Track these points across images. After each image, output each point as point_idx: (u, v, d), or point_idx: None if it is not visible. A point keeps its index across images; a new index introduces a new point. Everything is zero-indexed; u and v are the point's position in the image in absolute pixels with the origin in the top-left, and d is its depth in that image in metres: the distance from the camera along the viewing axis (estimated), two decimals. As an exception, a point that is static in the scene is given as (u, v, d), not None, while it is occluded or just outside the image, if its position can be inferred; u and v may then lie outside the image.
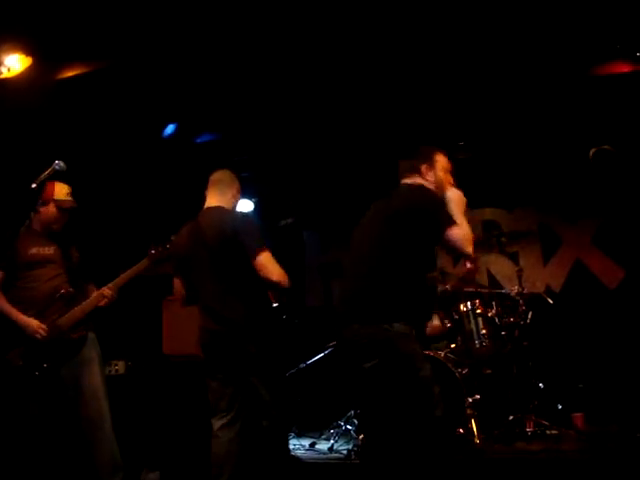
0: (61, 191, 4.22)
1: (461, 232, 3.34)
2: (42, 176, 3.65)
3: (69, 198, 4.25)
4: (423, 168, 3.67)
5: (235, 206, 3.99)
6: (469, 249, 3.35)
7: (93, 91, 5.57)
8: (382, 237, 3.45)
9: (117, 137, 6.21)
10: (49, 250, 4.18)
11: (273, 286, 3.67)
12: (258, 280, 3.62)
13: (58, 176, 3.86)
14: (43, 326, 3.91)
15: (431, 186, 3.59)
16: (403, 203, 3.47)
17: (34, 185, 3.60)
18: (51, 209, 4.18)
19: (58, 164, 3.68)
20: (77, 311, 4.07)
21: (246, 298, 3.69)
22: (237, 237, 3.62)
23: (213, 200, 3.93)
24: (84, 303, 4.11)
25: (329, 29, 5.14)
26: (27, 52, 4.94)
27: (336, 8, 4.89)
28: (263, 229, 3.78)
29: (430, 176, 3.65)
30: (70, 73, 5.31)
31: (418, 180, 3.63)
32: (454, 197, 3.54)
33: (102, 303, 4.15)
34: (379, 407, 3.41)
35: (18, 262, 4.05)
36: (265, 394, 3.61)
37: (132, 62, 5.37)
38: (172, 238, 4.10)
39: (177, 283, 4.06)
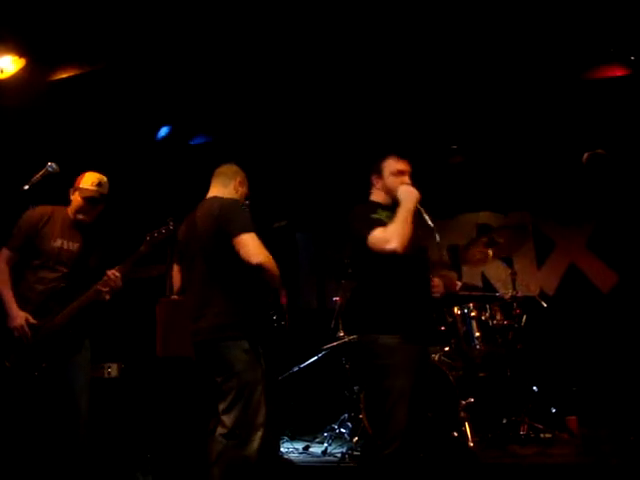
0: (88, 180, 4.07)
1: (381, 233, 3.42)
2: (34, 178, 3.64)
3: (93, 188, 4.06)
4: (374, 180, 3.80)
5: (240, 197, 3.89)
6: (389, 246, 3.37)
7: (86, 93, 5.57)
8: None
9: (111, 139, 6.19)
10: (73, 246, 4.08)
11: (257, 270, 3.46)
12: (248, 277, 3.55)
13: (51, 178, 3.82)
14: (30, 320, 3.83)
15: (381, 194, 3.76)
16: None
17: (26, 187, 3.59)
18: (77, 197, 4.04)
19: (51, 166, 3.67)
20: (72, 307, 3.95)
21: (231, 293, 3.58)
22: (222, 223, 3.55)
23: (213, 192, 3.87)
24: (80, 298, 3.97)
25: (323, 31, 5.14)
26: (20, 54, 4.94)
27: (329, 13, 4.90)
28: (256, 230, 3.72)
29: (380, 185, 3.77)
30: (63, 75, 5.30)
31: (372, 193, 3.82)
32: (402, 195, 3.56)
33: (104, 295, 3.96)
34: None
35: (40, 248, 3.96)
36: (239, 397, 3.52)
37: (126, 64, 5.37)
38: (169, 221, 3.97)
39: (175, 271, 4.01)
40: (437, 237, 3.58)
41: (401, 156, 3.79)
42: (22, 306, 3.89)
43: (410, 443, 3.39)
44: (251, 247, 3.46)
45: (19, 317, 3.83)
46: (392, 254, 3.39)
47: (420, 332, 3.54)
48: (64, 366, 3.96)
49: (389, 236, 3.41)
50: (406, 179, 3.71)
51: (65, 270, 4.03)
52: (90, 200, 4.05)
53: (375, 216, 3.56)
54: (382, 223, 3.49)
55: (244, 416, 3.45)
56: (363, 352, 3.56)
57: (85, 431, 3.99)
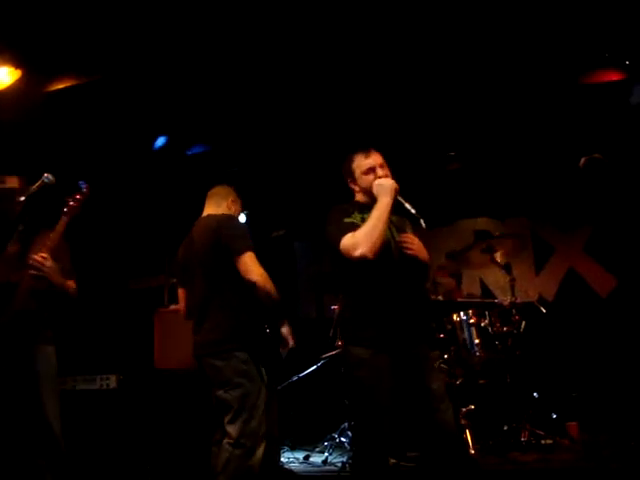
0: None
1: (350, 239, 3.22)
2: (31, 189, 3.63)
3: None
4: (350, 184, 3.59)
5: (236, 211, 4.02)
6: (356, 253, 3.16)
7: (83, 103, 5.57)
8: None
9: (107, 149, 6.19)
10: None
11: (254, 288, 3.55)
12: (246, 290, 3.58)
13: (47, 189, 3.81)
14: None
15: (359, 196, 3.53)
16: None
17: (22, 198, 3.58)
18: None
19: (47, 177, 3.65)
20: (20, 290, 3.58)
21: (228, 306, 3.62)
22: (221, 239, 3.60)
23: (207, 211, 3.96)
24: (22, 281, 3.59)
25: (320, 43, 5.15)
26: (17, 65, 4.93)
27: (325, 25, 4.91)
28: (254, 239, 3.73)
29: (356, 187, 3.55)
30: (60, 86, 5.30)
31: (355, 195, 3.60)
32: (376, 191, 3.32)
33: (36, 279, 3.57)
34: None
35: None
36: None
37: (122, 75, 5.37)
38: (83, 186, 3.83)
39: (181, 296, 4.04)
40: (423, 224, 3.31)
41: (366, 148, 3.54)
42: None
43: (381, 457, 3.20)
44: (250, 267, 3.55)
45: None
46: (362, 260, 3.17)
47: (397, 341, 3.22)
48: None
49: (358, 241, 3.18)
50: (379, 172, 3.42)
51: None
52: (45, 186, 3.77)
53: (348, 220, 3.33)
54: (355, 227, 3.27)
55: (248, 426, 3.47)
56: (343, 364, 3.45)
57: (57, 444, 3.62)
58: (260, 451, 3.48)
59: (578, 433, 5.43)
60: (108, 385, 5.18)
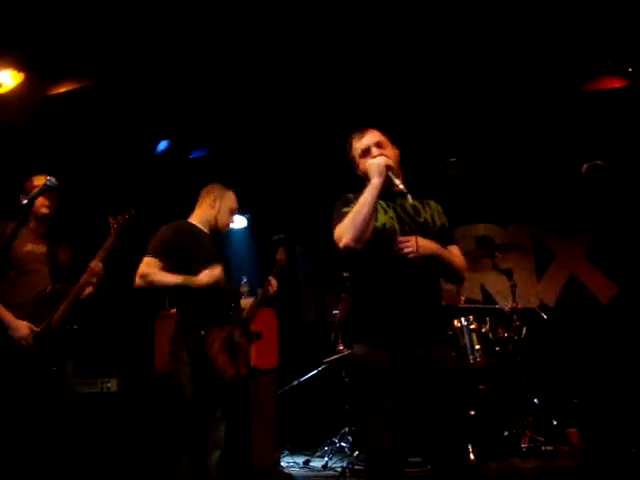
0: (39, 179, 4.05)
1: (337, 230, 2.98)
2: (33, 192, 3.63)
3: (45, 179, 3.82)
4: (356, 172, 3.29)
5: (218, 212, 3.97)
6: (341, 244, 2.91)
7: (85, 107, 5.58)
8: None
9: (110, 153, 6.20)
10: (42, 249, 4.14)
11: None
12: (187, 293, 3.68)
13: (50, 192, 3.83)
14: (34, 329, 3.87)
15: (366, 182, 3.07)
16: None
17: (25, 201, 3.58)
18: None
19: (49, 180, 3.64)
20: (64, 306, 4.00)
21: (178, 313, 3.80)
22: None
23: (191, 216, 4.02)
24: (69, 296, 4.03)
25: (320, 46, 5.15)
26: (19, 68, 4.94)
27: (325, 27, 4.91)
28: (255, 243, 3.77)
29: (360, 173, 3.24)
30: (62, 89, 5.31)
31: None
32: (368, 172, 3.02)
33: (88, 288, 4.11)
34: None
35: (12, 258, 3.97)
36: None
37: (124, 78, 5.38)
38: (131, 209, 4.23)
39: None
40: (410, 199, 2.97)
41: (361, 128, 3.29)
42: (16, 316, 3.89)
43: (391, 459, 2.89)
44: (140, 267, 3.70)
45: (22, 327, 3.86)
46: (348, 252, 2.91)
47: (400, 338, 2.93)
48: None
49: (342, 230, 2.93)
50: (374, 152, 3.14)
51: (44, 272, 4.09)
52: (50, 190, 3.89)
53: (346, 210, 3.03)
54: None
55: None
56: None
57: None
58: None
59: (578, 440, 5.42)
60: (109, 388, 5.18)
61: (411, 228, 3.05)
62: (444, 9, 4.81)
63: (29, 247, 4.08)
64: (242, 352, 3.78)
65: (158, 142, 6.54)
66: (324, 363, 6.16)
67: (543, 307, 6.88)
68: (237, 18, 4.77)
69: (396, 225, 3.05)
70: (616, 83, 5.71)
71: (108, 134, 6.00)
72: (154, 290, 3.73)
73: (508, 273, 5.93)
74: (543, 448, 5.25)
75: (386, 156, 3.08)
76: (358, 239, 2.88)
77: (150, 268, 3.64)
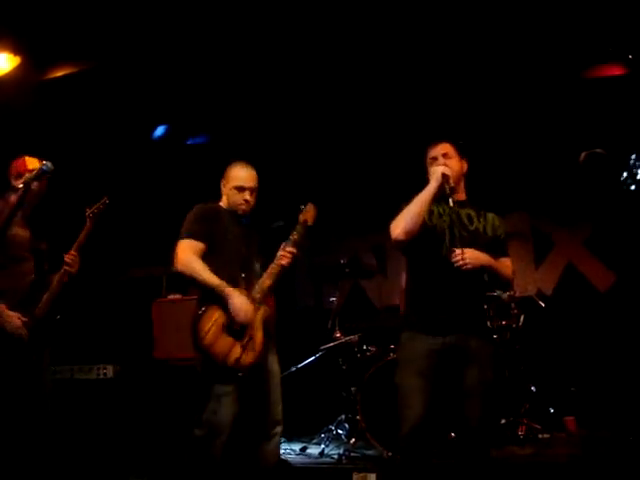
0: (32, 163, 3.94)
1: (393, 222, 3.38)
2: (29, 177, 3.60)
3: (40, 164, 3.81)
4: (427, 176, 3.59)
5: (228, 194, 3.90)
6: (392, 236, 3.36)
7: (82, 91, 5.55)
8: None
9: (106, 138, 6.17)
10: (26, 234, 3.97)
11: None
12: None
13: (45, 177, 3.78)
14: (22, 318, 3.76)
15: None
16: None
17: (20, 185, 3.55)
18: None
19: (45, 164, 3.62)
20: (47, 296, 3.91)
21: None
22: None
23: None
24: (51, 286, 3.92)
25: (320, 32, 5.12)
26: (15, 51, 4.90)
27: (326, 13, 4.88)
28: (255, 230, 3.73)
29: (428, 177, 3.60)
30: (59, 73, 5.28)
31: None
32: (431, 177, 3.48)
33: (65, 277, 3.96)
34: None
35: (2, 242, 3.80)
36: None
37: (122, 63, 5.35)
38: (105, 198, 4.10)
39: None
40: (451, 202, 3.40)
41: (435, 141, 3.66)
42: (7, 305, 3.78)
43: (421, 439, 3.28)
44: (177, 256, 3.61)
45: (14, 318, 3.74)
46: (398, 243, 3.37)
47: (434, 325, 3.29)
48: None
49: (394, 224, 3.37)
50: (440, 160, 3.53)
51: (30, 260, 3.97)
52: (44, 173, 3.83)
53: (405, 207, 3.44)
54: None
55: None
56: None
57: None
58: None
59: (575, 428, 5.45)
60: (105, 375, 5.17)
61: (461, 234, 3.37)
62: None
63: (16, 231, 3.89)
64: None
65: (155, 128, 6.51)
66: (321, 350, 6.15)
67: (541, 295, 6.87)
68: (235, 5, 4.73)
69: (447, 229, 3.38)
70: (616, 71, 5.69)
71: (105, 119, 5.97)
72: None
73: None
74: (540, 436, 5.27)
75: (449, 166, 3.49)
76: (407, 232, 3.31)
77: (190, 254, 3.60)
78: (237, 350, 3.53)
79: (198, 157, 6.85)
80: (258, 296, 3.64)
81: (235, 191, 3.85)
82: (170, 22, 4.85)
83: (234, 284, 3.60)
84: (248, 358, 3.55)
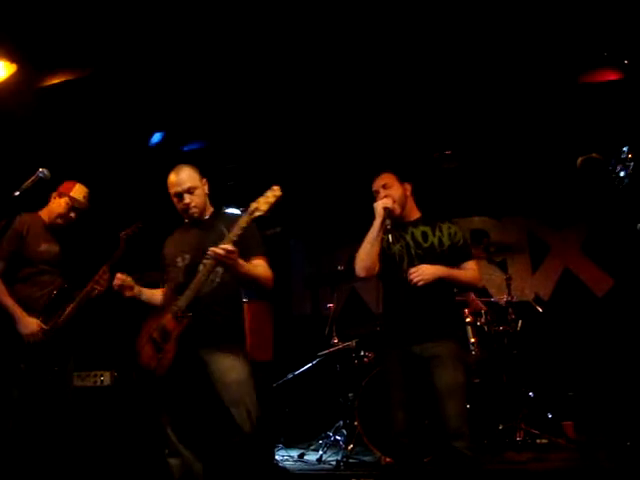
0: (81, 191, 4.36)
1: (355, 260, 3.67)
2: (25, 184, 3.59)
3: (84, 200, 4.37)
4: None
5: (176, 205, 3.84)
6: (355, 273, 3.67)
7: (78, 98, 5.54)
8: None
9: (103, 145, 6.16)
10: (55, 249, 4.27)
11: None
12: None
13: (41, 184, 3.78)
14: (43, 327, 3.97)
15: None
16: None
17: (17, 193, 3.54)
18: (62, 203, 4.29)
19: (42, 172, 3.61)
20: (72, 307, 4.11)
21: None
22: None
23: None
24: (77, 298, 4.13)
25: (317, 39, 5.12)
26: (12, 59, 4.90)
27: (322, 20, 4.88)
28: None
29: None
30: (55, 80, 5.27)
31: None
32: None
33: (93, 293, 4.15)
34: None
35: (25, 255, 4.10)
36: None
37: (118, 70, 5.34)
38: (138, 223, 4.28)
39: None
40: (389, 237, 3.58)
41: (375, 174, 3.84)
42: (27, 312, 3.99)
43: (408, 448, 3.49)
44: None
45: (32, 323, 3.95)
46: (363, 279, 3.73)
47: (399, 338, 3.56)
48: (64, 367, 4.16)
49: (355, 263, 3.65)
50: (381, 194, 3.72)
51: (55, 272, 4.23)
52: (77, 210, 4.34)
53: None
54: None
55: None
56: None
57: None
58: None
59: (573, 433, 5.43)
60: (102, 382, 5.15)
61: (417, 253, 3.59)
62: (441, 1, 4.79)
63: (44, 247, 4.19)
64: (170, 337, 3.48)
65: (152, 134, 6.50)
66: (319, 356, 6.15)
67: (538, 300, 6.89)
68: (230, 11, 4.73)
69: (404, 252, 3.61)
70: (612, 75, 5.69)
71: (101, 126, 5.96)
72: None
73: (503, 266, 5.94)
74: (538, 441, 5.26)
75: (391, 196, 3.66)
76: (365, 269, 3.60)
77: None
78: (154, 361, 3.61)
79: (194, 163, 6.83)
80: (180, 304, 3.46)
81: (176, 199, 3.78)
82: (166, 29, 4.85)
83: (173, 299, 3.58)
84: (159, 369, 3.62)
